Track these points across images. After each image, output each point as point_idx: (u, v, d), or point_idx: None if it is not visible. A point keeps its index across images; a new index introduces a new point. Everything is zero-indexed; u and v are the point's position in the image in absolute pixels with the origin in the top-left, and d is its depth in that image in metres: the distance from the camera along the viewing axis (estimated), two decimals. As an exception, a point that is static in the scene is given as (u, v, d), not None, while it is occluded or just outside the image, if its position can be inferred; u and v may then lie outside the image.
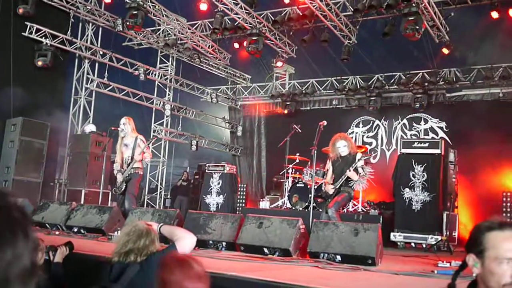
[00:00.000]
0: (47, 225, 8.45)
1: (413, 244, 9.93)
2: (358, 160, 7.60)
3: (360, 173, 7.69)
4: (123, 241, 3.47)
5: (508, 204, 10.81)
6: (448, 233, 9.77)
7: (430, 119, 14.98)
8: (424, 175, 9.99)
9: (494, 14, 11.52)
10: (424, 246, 9.59)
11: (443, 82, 14.49)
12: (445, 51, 13.16)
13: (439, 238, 9.37)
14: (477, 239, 2.13)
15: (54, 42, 13.35)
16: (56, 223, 8.38)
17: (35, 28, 12.96)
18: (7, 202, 1.06)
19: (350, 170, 7.58)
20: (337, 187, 7.70)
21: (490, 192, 12.30)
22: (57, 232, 8.03)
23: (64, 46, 13.73)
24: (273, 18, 14.03)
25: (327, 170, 8.19)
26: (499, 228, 2.11)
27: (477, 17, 12.56)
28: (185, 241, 3.63)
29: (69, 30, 13.87)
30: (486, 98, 14.20)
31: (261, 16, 13.89)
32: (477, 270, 2.12)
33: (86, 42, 15.05)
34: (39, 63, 13.00)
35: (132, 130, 8.66)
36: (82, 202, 12.48)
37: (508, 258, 2.04)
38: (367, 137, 15.97)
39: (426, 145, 10.27)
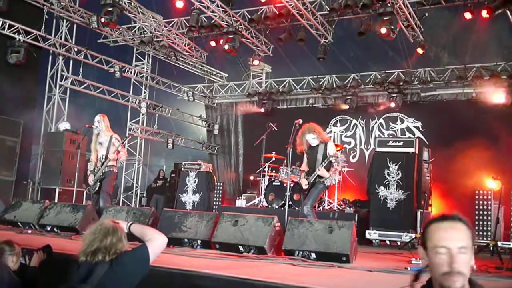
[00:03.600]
0: (19, 224, 8.31)
1: (388, 242, 10.02)
2: (330, 155, 7.62)
3: (334, 164, 7.72)
4: (89, 240, 3.39)
5: (481, 202, 10.94)
6: (422, 230, 9.84)
7: (406, 118, 15.15)
8: (398, 173, 10.09)
9: (467, 15, 11.67)
10: (398, 243, 9.68)
11: (417, 82, 14.67)
12: (420, 51, 13.30)
13: (414, 235, 9.48)
14: (424, 232, 2.21)
15: (28, 39, 13.14)
16: (28, 222, 8.24)
17: (7, 24, 12.74)
18: None
19: (319, 169, 7.64)
20: (310, 181, 7.77)
21: (464, 190, 12.43)
22: (29, 231, 7.89)
23: (37, 42, 13.53)
24: (249, 17, 14.01)
25: (302, 162, 8.23)
26: (439, 220, 2.16)
27: (451, 17, 12.72)
28: (156, 242, 3.56)
29: (43, 26, 13.65)
30: (460, 98, 14.42)
31: (238, 15, 13.87)
32: (425, 262, 2.18)
33: (60, 38, 14.83)
34: (12, 59, 12.78)
35: (106, 128, 8.59)
36: (56, 200, 12.31)
37: (441, 246, 2.09)
38: (346, 136, 16.09)
39: (401, 143, 10.37)
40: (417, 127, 14.95)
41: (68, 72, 15.20)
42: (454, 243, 2.09)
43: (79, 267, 3.37)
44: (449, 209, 12.51)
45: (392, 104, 14.86)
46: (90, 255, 3.33)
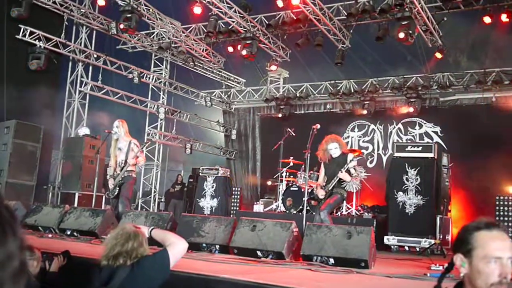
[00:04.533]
0: (40, 228, 8.41)
1: (406, 248, 9.94)
2: (350, 161, 7.60)
3: (352, 174, 7.70)
4: (111, 245, 3.43)
5: (502, 208, 10.83)
6: (441, 236, 9.78)
7: (425, 123, 15.05)
8: (417, 178, 10.01)
9: (487, 19, 11.59)
10: (417, 249, 9.60)
11: (436, 87, 14.56)
12: (438, 55, 13.21)
13: (433, 241, 9.39)
14: (465, 239, 2.15)
15: (48, 45, 13.32)
16: (49, 226, 8.33)
17: (28, 30, 12.94)
18: None
19: (342, 172, 7.59)
20: (329, 189, 7.71)
21: (484, 196, 12.33)
22: (50, 235, 7.98)
23: (58, 49, 13.71)
24: (267, 22, 14.06)
25: (319, 173, 8.21)
26: (486, 228, 2.13)
27: (470, 22, 12.63)
28: (177, 247, 3.59)
29: (63, 33, 13.84)
30: (479, 103, 14.29)
31: (255, 20, 13.92)
32: (464, 270, 2.13)
33: (80, 45, 15.03)
34: (33, 66, 12.96)
35: (125, 133, 8.66)
36: (75, 205, 12.44)
37: (496, 257, 2.05)
38: (363, 141, 16.02)
39: (419, 149, 10.29)
40: (435, 132, 14.84)
41: (87, 78, 15.38)
42: (507, 253, 2.08)
43: (101, 271, 3.42)
44: (469, 215, 12.39)
45: (411, 109, 14.77)
46: (112, 259, 3.38)
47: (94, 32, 15.48)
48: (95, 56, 15.01)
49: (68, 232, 8.12)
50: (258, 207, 13.27)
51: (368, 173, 13.66)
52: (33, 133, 12.79)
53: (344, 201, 11.67)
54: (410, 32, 11.40)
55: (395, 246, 9.96)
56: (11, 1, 12.21)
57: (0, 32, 12.28)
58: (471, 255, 2.11)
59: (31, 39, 13.03)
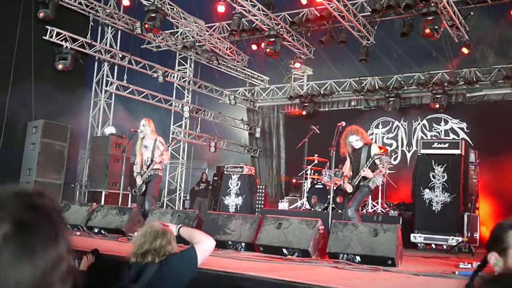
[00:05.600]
0: (68, 226, 8.53)
1: (433, 245, 9.82)
2: (374, 154, 7.56)
3: (378, 165, 7.64)
4: (140, 242, 3.48)
5: (530, 205, 10.66)
6: (469, 234, 9.65)
7: (451, 119, 14.86)
8: (444, 175, 9.88)
9: (515, 13, 11.39)
10: (445, 247, 9.49)
11: (463, 82, 14.35)
12: (465, 50, 13.01)
13: (460, 239, 9.27)
14: (499, 237, 2.11)
15: (74, 46, 13.49)
16: (77, 224, 8.46)
17: (55, 31, 13.12)
18: (46, 203, 1.07)
19: (364, 170, 7.55)
20: (355, 184, 7.68)
21: (512, 193, 12.14)
22: (78, 233, 8.11)
23: (84, 49, 13.88)
24: (290, 20, 14.02)
25: (344, 167, 8.18)
26: None
27: (497, 16, 12.43)
28: (204, 245, 3.62)
29: (89, 33, 14.02)
30: (507, 98, 14.04)
31: (279, 18, 13.90)
32: (498, 269, 2.10)
33: (106, 45, 15.20)
34: (60, 66, 13.16)
35: (151, 132, 8.73)
36: (102, 203, 12.59)
37: None
38: (387, 138, 15.90)
39: (446, 145, 10.15)
40: (461, 128, 14.64)
41: (113, 78, 15.55)
42: None
43: (130, 268, 3.46)
44: (497, 212, 12.20)
45: (437, 105, 14.58)
46: (140, 256, 3.43)
47: (119, 32, 15.65)
48: (120, 55, 15.16)
49: (96, 230, 8.23)
50: (283, 205, 13.27)
51: (393, 170, 13.56)
52: (60, 132, 12.97)
53: (370, 199, 11.66)
54: (436, 27, 11.25)
55: (422, 244, 9.84)
56: (38, 3, 12.40)
57: (28, 33, 12.48)
58: (506, 253, 2.07)
59: (57, 40, 13.21)
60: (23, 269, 0.96)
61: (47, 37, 13.03)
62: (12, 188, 1.05)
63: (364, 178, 7.66)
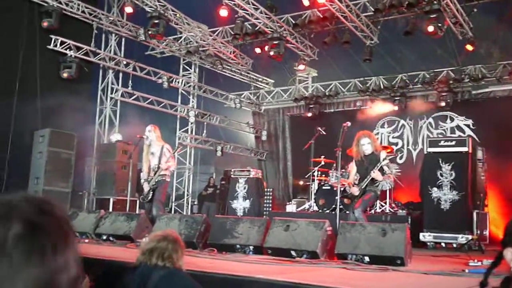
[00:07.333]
0: (76, 233, 8.55)
1: (443, 244, 9.76)
2: (383, 159, 7.54)
3: (385, 172, 7.63)
4: (150, 239, 3.60)
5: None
6: (478, 232, 9.60)
7: (456, 117, 14.79)
8: (452, 173, 9.83)
9: (519, 8, 11.34)
10: (454, 245, 9.44)
11: (468, 80, 14.28)
12: (469, 47, 12.96)
13: (470, 237, 9.21)
14: None
15: (79, 54, 13.53)
16: (85, 231, 8.48)
17: (59, 40, 13.17)
18: (56, 210, 1.07)
19: (374, 172, 7.51)
20: (362, 187, 7.65)
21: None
22: (86, 240, 8.13)
23: (88, 57, 13.92)
24: (293, 22, 14.02)
25: (350, 171, 8.16)
26: None
27: (501, 12, 12.37)
28: None
29: (93, 41, 14.06)
30: (513, 94, 13.98)
31: (282, 20, 13.91)
32: None
33: (110, 52, 15.26)
34: (65, 74, 13.19)
35: (157, 138, 8.74)
36: (110, 210, 12.61)
37: None
38: (393, 137, 15.85)
39: (453, 143, 10.11)
40: (467, 125, 14.57)
41: (118, 85, 15.61)
42: None
43: (135, 270, 3.51)
44: (507, 209, 12.14)
45: (442, 103, 14.51)
46: (148, 253, 3.48)
47: (123, 39, 15.70)
48: (125, 62, 15.20)
49: (104, 237, 8.25)
50: (291, 207, 13.26)
51: (399, 170, 13.51)
52: (67, 140, 13.01)
53: (378, 199, 11.60)
54: (440, 25, 11.22)
55: (431, 243, 9.79)
56: (41, 13, 12.45)
57: (32, 43, 12.54)
58: None
59: (62, 48, 13.25)
60: (32, 270, 0.96)
61: (51, 46, 13.07)
62: (23, 194, 1.06)
63: (372, 182, 7.62)
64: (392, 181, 7.78)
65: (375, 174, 7.52)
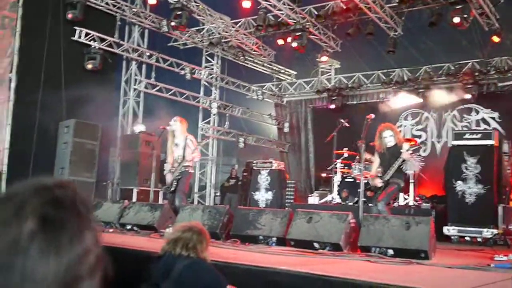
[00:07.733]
0: (101, 223, 8.66)
1: (467, 238, 9.65)
2: (407, 150, 7.50)
3: (403, 166, 7.60)
4: (175, 229, 3.66)
5: None
6: (504, 226, 9.48)
7: (482, 109, 14.59)
8: (477, 167, 9.70)
9: (547, -2, 11.11)
10: (479, 240, 9.33)
11: (494, 72, 14.06)
12: (496, 39, 12.74)
13: (495, 231, 9.09)
14: None
15: (103, 45, 13.63)
16: (110, 221, 8.59)
17: (84, 32, 13.28)
18: (68, 194, 1.05)
19: (400, 157, 7.49)
20: (385, 179, 7.61)
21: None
22: (111, 230, 8.24)
23: (112, 48, 14.02)
24: (316, 13, 13.94)
25: (372, 162, 8.13)
26: None
27: (529, 1, 12.14)
28: None
29: (116, 32, 14.16)
30: (541, 86, 13.74)
31: (305, 11, 13.83)
32: None
33: (133, 44, 15.34)
34: (89, 66, 13.30)
35: (182, 130, 8.77)
36: (134, 200, 12.73)
37: None
38: (416, 130, 15.70)
39: (479, 136, 9.98)
40: (493, 118, 14.36)
41: (141, 76, 15.70)
42: None
43: (160, 259, 3.56)
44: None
45: (467, 96, 14.32)
46: (172, 243, 3.53)
47: (146, 30, 15.77)
48: (148, 54, 15.27)
49: (128, 227, 8.35)
50: (313, 199, 13.24)
51: (422, 162, 13.38)
52: (91, 131, 13.13)
53: (401, 192, 11.52)
54: (465, 16, 11.07)
55: (456, 237, 9.69)
56: (66, 4, 12.57)
57: (57, 35, 12.65)
58: None
59: (86, 40, 13.36)
60: (50, 265, 0.96)
61: (75, 38, 13.19)
62: (32, 184, 1.04)
63: (396, 172, 7.58)
64: (419, 164, 7.75)
65: (405, 154, 7.47)
